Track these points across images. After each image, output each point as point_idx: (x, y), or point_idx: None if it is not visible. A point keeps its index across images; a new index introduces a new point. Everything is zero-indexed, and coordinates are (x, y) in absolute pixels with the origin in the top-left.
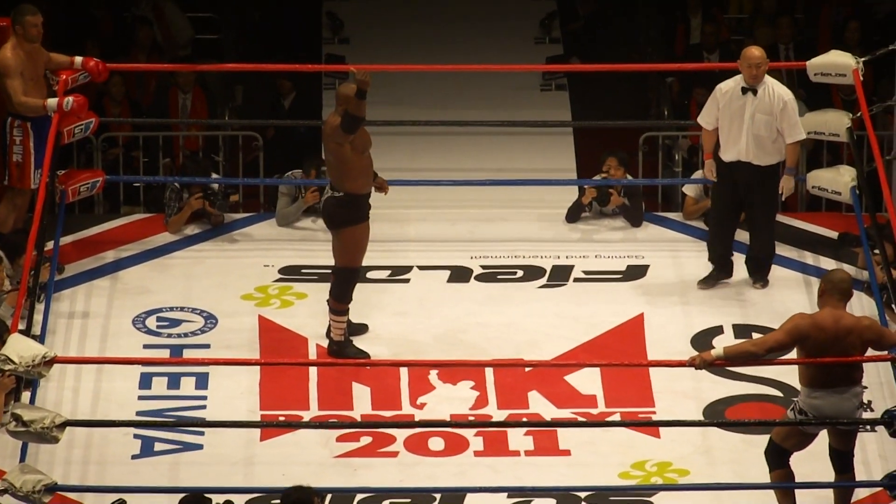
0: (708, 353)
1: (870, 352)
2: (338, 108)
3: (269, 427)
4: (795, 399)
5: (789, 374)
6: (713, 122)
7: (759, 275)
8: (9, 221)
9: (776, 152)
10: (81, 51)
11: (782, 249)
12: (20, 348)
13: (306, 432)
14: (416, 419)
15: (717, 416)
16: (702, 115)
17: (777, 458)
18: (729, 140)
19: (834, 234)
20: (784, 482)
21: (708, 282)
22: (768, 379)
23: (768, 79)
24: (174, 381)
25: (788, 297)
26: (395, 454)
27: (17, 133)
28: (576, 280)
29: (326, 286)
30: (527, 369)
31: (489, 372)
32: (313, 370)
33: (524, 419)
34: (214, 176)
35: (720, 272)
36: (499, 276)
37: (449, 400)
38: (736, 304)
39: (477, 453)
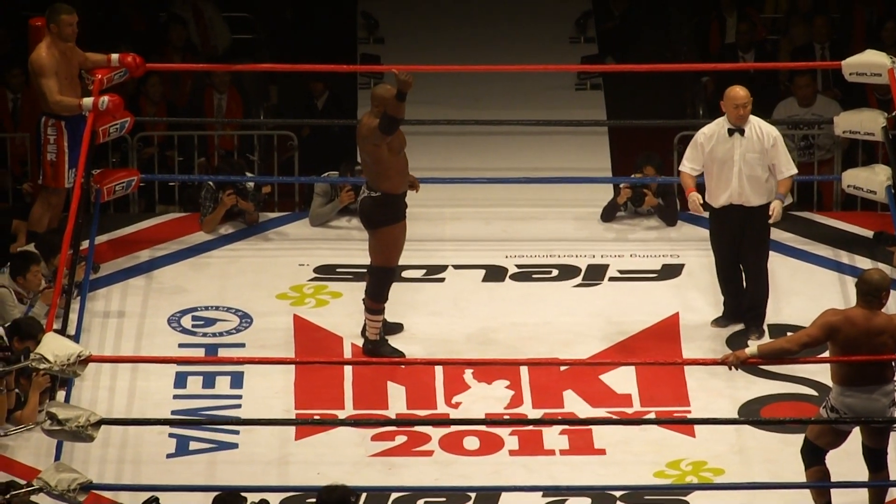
0: (742, 352)
1: None
2: (373, 108)
3: (304, 425)
4: (828, 397)
5: (824, 373)
6: (698, 168)
7: (753, 327)
8: (44, 220)
9: (767, 192)
10: (114, 50)
11: (818, 248)
12: (55, 347)
13: (341, 431)
14: (451, 418)
15: (752, 415)
16: (684, 161)
17: (812, 456)
18: (719, 185)
19: (869, 234)
20: (819, 480)
21: (720, 322)
22: (803, 378)
23: (752, 117)
24: (209, 381)
25: (824, 296)
26: (430, 453)
27: (51, 132)
28: (611, 279)
29: (361, 285)
30: (562, 368)
31: (524, 371)
32: (348, 369)
33: (559, 418)
34: (249, 175)
35: (731, 319)
36: (534, 276)
37: (484, 399)
38: (771, 304)
39: (512, 452)
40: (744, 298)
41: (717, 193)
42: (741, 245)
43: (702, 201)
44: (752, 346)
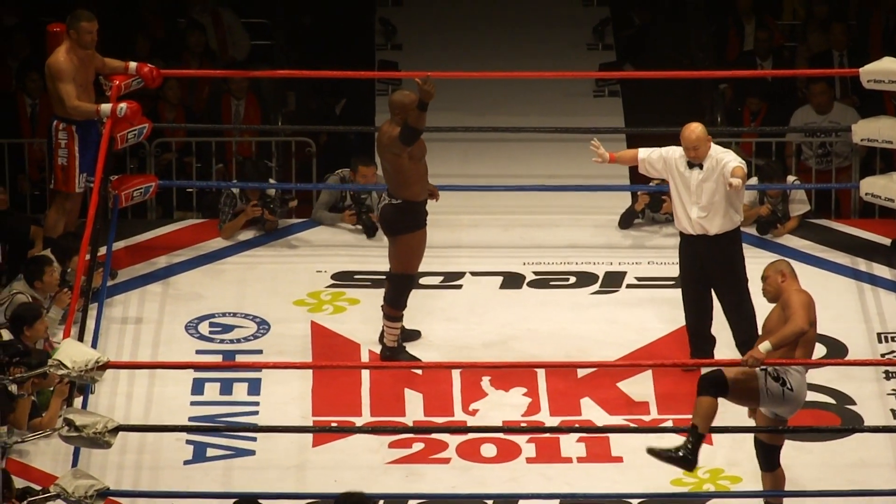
0: (757, 351)
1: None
2: (393, 116)
3: (322, 432)
4: (773, 368)
5: (840, 381)
6: (648, 168)
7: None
8: (59, 226)
9: (728, 222)
10: (132, 56)
11: (835, 256)
12: (73, 353)
13: (359, 438)
14: (469, 426)
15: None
16: (650, 152)
17: (714, 391)
18: (681, 212)
19: (887, 241)
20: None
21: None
22: (820, 386)
23: (714, 149)
24: (227, 387)
25: (841, 303)
26: (447, 460)
27: (62, 136)
28: (628, 286)
29: (379, 292)
30: (579, 375)
31: (541, 378)
32: (366, 376)
33: (576, 426)
34: (271, 181)
35: (697, 353)
36: (551, 283)
37: (501, 406)
38: None
39: (529, 460)
40: (708, 343)
41: (679, 220)
42: (711, 277)
43: (603, 157)
44: (765, 344)
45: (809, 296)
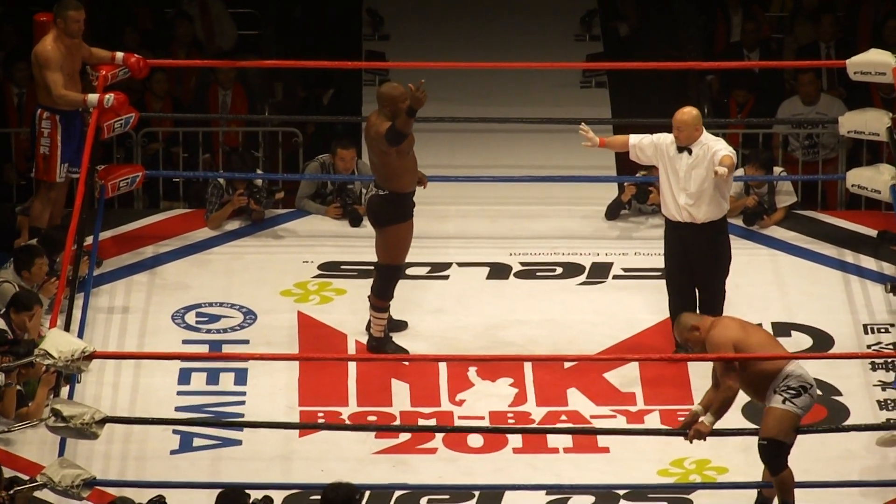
0: (702, 425)
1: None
2: (381, 108)
3: (307, 427)
4: (786, 385)
5: (829, 372)
6: (639, 154)
7: None
8: (44, 216)
9: (715, 209)
10: (119, 46)
11: (822, 247)
12: (59, 343)
13: None
14: (456, 416)
15: (756, 414)
16: (641, 138)
17: (785, 457)
18: (669, 198)
19: (873, 233)
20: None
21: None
22: None
23: (707, 136)
24: (213, 377)
25: (828, 294)
26: (433, 451)
27: (45, 125)
28: (615, 277)
29: (366, 282)
30: (566, 366)
31: (528, 369)
32: (352, 366)
33: (563, 417)
34: (258, 172)
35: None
36: (538, 273)
37: (488, 397)
38: (776, 301)
39: (516, 450)
40: None
41: (667, 206)
42: (694, 264)
43: (592, 141)
44: (707, 416)
45: (724, 326)
